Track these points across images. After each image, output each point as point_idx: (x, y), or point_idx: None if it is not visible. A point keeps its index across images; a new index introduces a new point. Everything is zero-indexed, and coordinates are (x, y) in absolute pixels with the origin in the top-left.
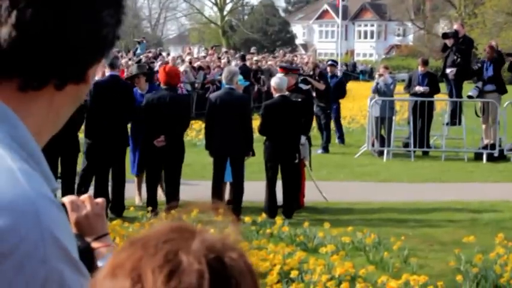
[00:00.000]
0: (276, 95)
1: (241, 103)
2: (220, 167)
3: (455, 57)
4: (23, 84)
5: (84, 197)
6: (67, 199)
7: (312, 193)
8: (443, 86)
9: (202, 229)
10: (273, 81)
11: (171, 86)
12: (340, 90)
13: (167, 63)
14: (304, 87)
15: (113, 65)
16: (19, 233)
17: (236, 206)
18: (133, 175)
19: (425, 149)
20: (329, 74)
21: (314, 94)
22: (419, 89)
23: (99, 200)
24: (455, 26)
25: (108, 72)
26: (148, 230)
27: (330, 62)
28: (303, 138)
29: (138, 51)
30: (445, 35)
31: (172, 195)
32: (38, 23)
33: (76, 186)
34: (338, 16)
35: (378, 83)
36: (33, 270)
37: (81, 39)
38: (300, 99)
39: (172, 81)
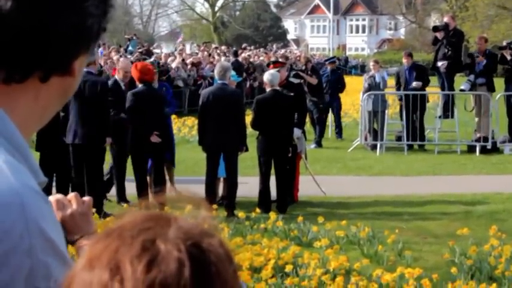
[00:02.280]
0: (268, 89)
1: (234, 98)
2: (214, 162)
3: (446, 50)
4: (6, 76)
5: (70, 195)
6: (53, 198)
7: (306, 187)
8: (434, 79)
9: (177, 216)
10: (265, 77)
11: (147, 82)
12: (340, 85)
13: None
14: (295, 81)
15: (88, 62)
16: (4, 225)
17: (230, 202)
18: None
19: (418, 142)
20: (328, 70)
21: (306, 89)
22: (417, 83)
23: (86, 198)
24: (446, 19)
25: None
26: (123, 219)
27: (332, 60)
28: (299, 132)
29: (130, 48)
30: (435, 28)
31: (162, 185)
32: (18, 14)
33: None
34: (329, 11)
35: (369, 84)
36: (18, 262)
37: (64, 30)
38: (292, 94)
39: (147, 77)
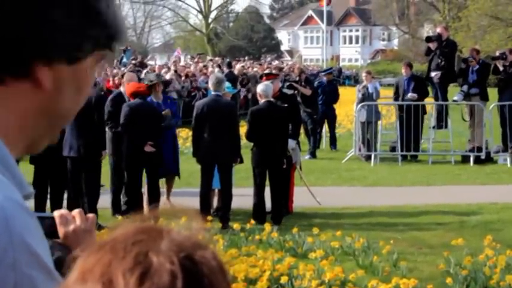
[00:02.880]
0: (262, 101)
1: (229, 110)
2: (208, 174)
3: (439, 61)
4: None
5: (75, 211)
6: (57, 213)
7: (300, 198)
8: (431, 89)
9: (169, 228)
10: (259, 88)
11: (142, 96)
12: (336, 96)
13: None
14: (288, 92)
15: None
16: None
17: (224, 213)
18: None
19: (412, 153)
20: (324, 81)
21: (300, 100)
22: (412, 95)
23: (90, 215)
24: (438, 29)
25: None
26: (115, 232)
27: (329, 71)
28: (293, 143)
29: (124, 59)
30: (428, 39)
31: (157, 199)
32: None
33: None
34: (323, 22)
35: (363, 94)
36: (3, 276)
37: (17, 33)
38: (285, 105)
39: (140, 90)
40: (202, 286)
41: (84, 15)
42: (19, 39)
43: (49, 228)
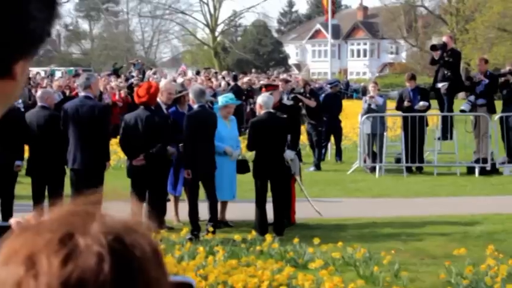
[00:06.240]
0: (261, 112)
1: (212, 120)
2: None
3: (445, 71)
4: None
5: (28, 216)
6: (13, 221)
7: (303, 210)
8: (434, 102)
9: (103, 213)
10: (260, 99)
11: (146, 105)
12: (339, 108)
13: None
14: (288, 103)
15: (84, 86)
16: None
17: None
18: (172, 195)
19: (417, 164)
20: (331, 94)
21: (305, 112)
22: (424, 103)
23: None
24: (444, 38)
25: (81, 93)
26: (46, 215)
27: (335, 83)
28: (292, 154)
29: (133, 73)
30: (433, 47)
31: (159, 212)
32: None
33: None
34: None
35: (370, 104)
36: None
37: (5, 33)
38: (285, 116)
39: (142, 99)
40: (132, 269)
41: (48, 9)
42: (7, 40)
43: None
